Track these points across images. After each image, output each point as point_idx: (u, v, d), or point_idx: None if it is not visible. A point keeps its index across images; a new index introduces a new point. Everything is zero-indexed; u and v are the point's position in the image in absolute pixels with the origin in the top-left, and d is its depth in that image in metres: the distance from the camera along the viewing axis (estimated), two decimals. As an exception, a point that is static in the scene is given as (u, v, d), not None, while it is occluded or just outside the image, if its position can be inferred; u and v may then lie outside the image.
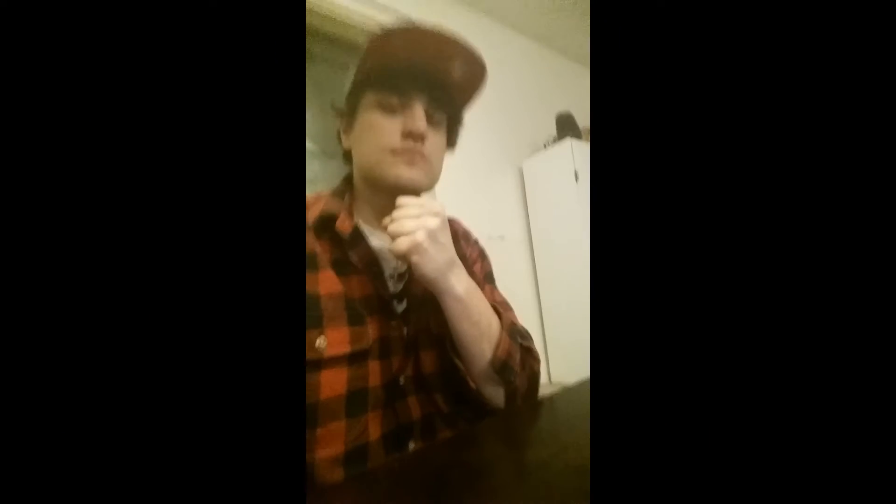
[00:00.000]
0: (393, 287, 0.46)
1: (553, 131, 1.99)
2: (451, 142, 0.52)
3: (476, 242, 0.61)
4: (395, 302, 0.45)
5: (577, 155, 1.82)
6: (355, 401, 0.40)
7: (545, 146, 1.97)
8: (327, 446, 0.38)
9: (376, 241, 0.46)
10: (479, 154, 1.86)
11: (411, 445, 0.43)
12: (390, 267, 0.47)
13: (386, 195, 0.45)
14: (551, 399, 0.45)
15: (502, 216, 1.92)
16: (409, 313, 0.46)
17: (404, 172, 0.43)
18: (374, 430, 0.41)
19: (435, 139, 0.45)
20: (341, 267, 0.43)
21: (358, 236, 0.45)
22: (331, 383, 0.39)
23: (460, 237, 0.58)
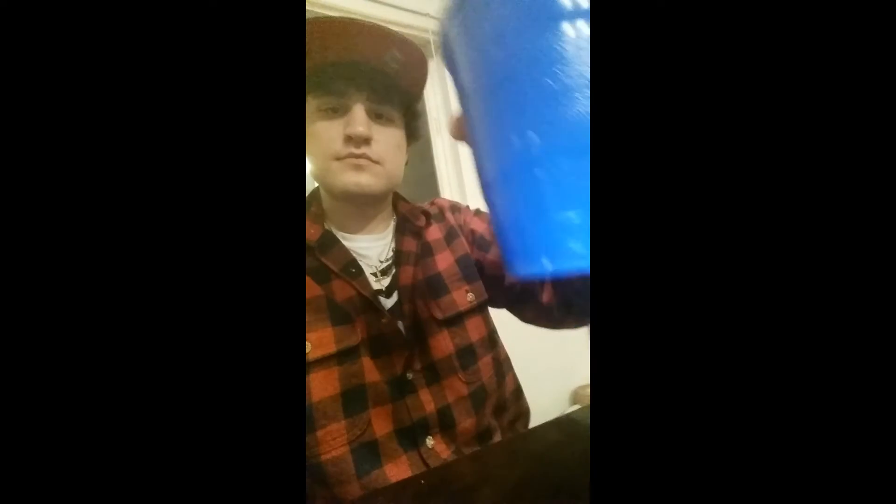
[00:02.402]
0: (378, 284, 0.45)
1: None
2: (413, 135, 0.50)
3: (467, 207, 0.59)
4: (381, 298, 0.44)
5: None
6: (352, 399, 0.39)
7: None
8: (331, 448, 0.37)
9: (351, 243, 0.46)
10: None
11: (430, 441, 0.41)
12: (372, 265, 0.46)
13: (347, 203, 0.45)
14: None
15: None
16: (401, 305, 0.44)
17: (351, 179, 0.41)
18: (382, 427, 0.40)
19: (386, 137, 0.43)
20: (317, 274, 0.43)
21: (330, 241, 0.44)
22: (322, 385, 0.38)
23: (447, 211, 0.56)
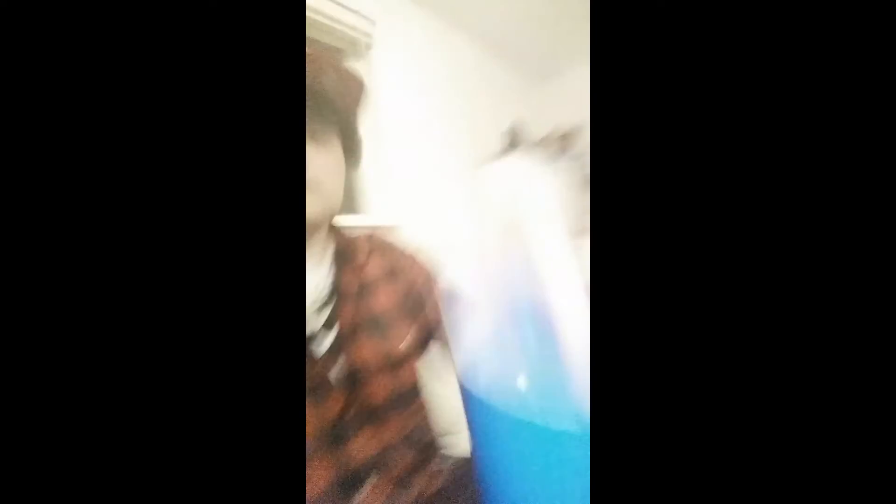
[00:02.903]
0: (315, 320, 0.41)
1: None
2: (352, 156, 0.47)
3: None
4: (318, 339, 0.40)
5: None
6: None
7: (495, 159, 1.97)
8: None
9: None
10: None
11: (366, 487, 0.39)
12: (310, 299, 0.42)
13: None
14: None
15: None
16: (342, 342, 0.41)
17: None
18: (321, 479, 0.36)
19: (322, 159, 0.41)
20: None
21: None
22: None
23: (390, 237, 0.54)
